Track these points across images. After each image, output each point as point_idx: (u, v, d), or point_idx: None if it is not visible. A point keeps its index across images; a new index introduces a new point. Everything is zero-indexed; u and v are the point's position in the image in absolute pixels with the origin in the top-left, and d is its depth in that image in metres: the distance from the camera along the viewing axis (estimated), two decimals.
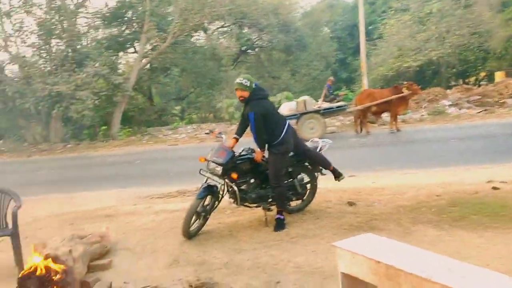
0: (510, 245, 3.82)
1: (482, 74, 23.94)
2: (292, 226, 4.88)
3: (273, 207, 5.12)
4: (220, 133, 5.24)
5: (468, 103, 16.19)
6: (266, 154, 4.86)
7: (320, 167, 5.41)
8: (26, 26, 19.35)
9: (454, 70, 23.42)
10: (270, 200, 5.00)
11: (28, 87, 16.26)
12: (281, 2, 24.84)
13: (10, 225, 4.23)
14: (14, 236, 4.15)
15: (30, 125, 18.66)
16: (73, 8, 18.57)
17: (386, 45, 22.75)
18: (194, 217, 4.72)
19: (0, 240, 4.88)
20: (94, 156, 14.16)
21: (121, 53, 23.61)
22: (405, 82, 13.83)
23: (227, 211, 5.71)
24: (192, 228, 4.74)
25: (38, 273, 3.19)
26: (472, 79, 24.35)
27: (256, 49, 26.69)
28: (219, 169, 4.64)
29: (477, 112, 14.97)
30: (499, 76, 20.26)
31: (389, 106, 12.54)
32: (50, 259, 3.30)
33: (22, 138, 19.61)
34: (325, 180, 6.32)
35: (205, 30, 23.67)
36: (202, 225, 4.86)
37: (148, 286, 3.51)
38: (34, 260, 3.31)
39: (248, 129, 4.87)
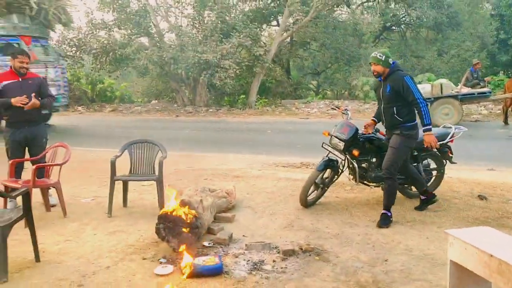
0: None
1: None
2: (410, 210, 4.79)
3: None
4: (346, 109, 5.30)
5: None
6: None
7: (450, 155, 5.14)
8: None
9: None
10: None
11: (182, 54, 18.01)
12: None
13: (156, 172, 4.97)
14: (159, 182, 4.87)
15: (180, 88, 20.75)
16: None
17: None
18: (312, 188, 4.94)
19: (149, 184, 5.79)
20: (231, 122, 15.25)
21: (264, 26, 24.47)
22: None
23: (347, 187, 5.81)
24: (310, 197, 4.97)
25: (174, 214, 3.76)
26: None
27: (402, 26, 25.15)
28: (341, 145, 4.74)
29: None
30: None
31: None
32: (184, 205, 3.85)
33: (173, 100, 22.00)
34: (457, 170, 5.98)
35: (348, 5, 23.09)
36: (319, 196, 5.06)
37: (263, 242, 3.85)
38: (172, 204, 3.89)
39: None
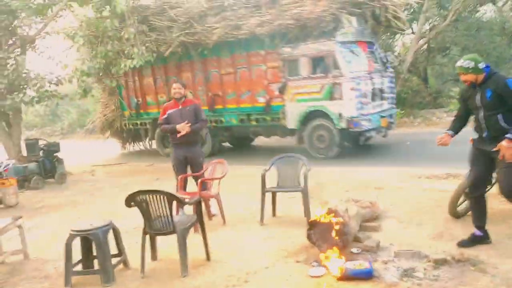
0: None
1: None
2: None
3: None
4: None
5: None
6: None
7: None
8: None
9: None
10: None
11: None
12: None
13: (302, 184, 5.32)
14: (304, 192, 5.21)
15: None
16: None
17: None
18: (462, 198, 4.75)
19: (294, 196, 6.19)
20: None
21: (397, 36, 23.72)
22: None
23: (502, 199, 5.36)
24: (460, 208, 4.79)
25: (323, 221, 4.04)
26: None
27: None
28: None
29: None
30: None
31: None
32: (331, 212, 4.10)
33: None
34: None
35: (494, 2, 21.08)
36: (470, 207, 4.83)
37: (412, 250, 3.87)
38: (319, 212, 4.18)
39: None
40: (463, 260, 3.61)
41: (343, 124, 9.21)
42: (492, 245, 3.95)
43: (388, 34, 20.28)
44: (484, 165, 3.99)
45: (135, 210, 3.92)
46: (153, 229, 3.92)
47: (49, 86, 10.02)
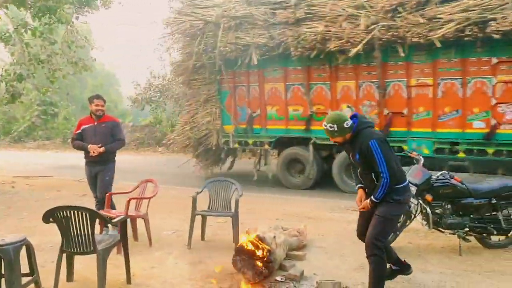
0: None
1: None
2: (489, 261, 4.64)
3: (471, 238, 4.95)
4: (419, 154, 5.34)
5: None
6: None
7: None
8: None
9: None
10: (466, 229, 4.85)
11: None
12: None
13: (232, 209, 5.31)
14: (235, 218, 5.19)
15: None
16: None
17: None
18: None
19: (224, 220, 6.16)
20: None
21: None
22: None
23: (421, 233, 5.73)
24: None
25: (249, 248, 4.03)
26: None
27: None
28: (414, 189, 4.77)
29: None
30: None
31: None
32: (259, 240, 4.11)
33: None
34: None
35: None
36: (391, 241, 5.05)
37: (333, 280, 3.96)
38: (247, 238, 4.17)
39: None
40: None
41: None
42: (408, 278, 4.13)
43: None
44: (366, 216, 3.68)
45: (55, 227, 3.68)
46: (71, 247, 3.70)
47: None
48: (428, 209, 4.84)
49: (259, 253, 4.00)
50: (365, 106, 8.57)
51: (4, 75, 9.81)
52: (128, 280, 3.96)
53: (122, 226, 4.04)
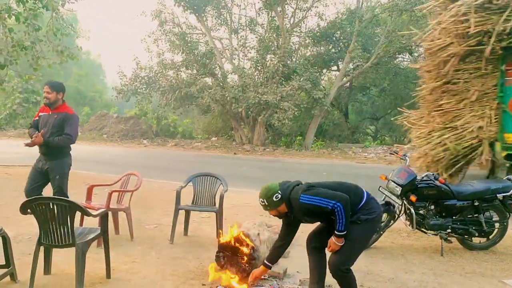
0: None
1: None
2: (470, 262, 4.67)
3: (453, 239, 5.00)
4: (404, 154, 5.36)
5: None
6: None
7: None
8: (249, 43, 22.46)
9: None
10: (449, 230, 4.89)
11: (243, 94, 18.79)
12: None
13: (217, 205, 5.25)
14: (219, 213, 5.14)
15: (239, 127, 21.46)
16: (288, 28, 20.62)
17: None
18: None
19: (208, 215, 6.09)
20: (288, 162, 15.47)
21: (324, 70, 24.97)
22: None
23: (403, 234, 5.76)
24: None
25: (233, 244, 3.98)
26: None
27: None
28: (398, 189, 4.79)
29: None
30: None
31: None
32: (243, 236, 4.06)
33: (231, 138, 22.74)
34: None
35: (411, 52, 23.06)
36: (375, 240, 5.07)
37: None
38: (231, 234, 4.12)
39: None
40: None
41: None
42: (390, 278, 4.14)
43: (316, 67, 21.18)
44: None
45: (33, 218, 3.57)
46: (50, 240, 3.59)
47: None
48: (412, 210, 4.86)
49: (243, 250, 3.96)
50: None
51: None
52: (108, 275, 3.87)
53: (103, 219, 3.94)
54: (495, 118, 7.33)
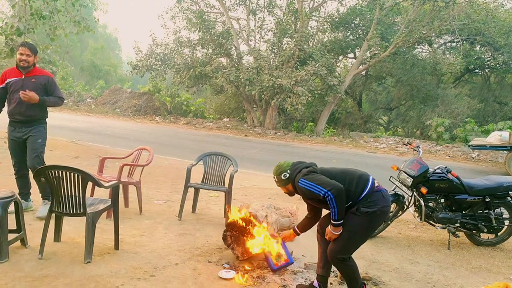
0: None
1: None
2: (477, 257, 4.66)
3: (460, 233, 4.97)
4: (418, 146, 5.30)
5: None
6: None
7: None
8: (266, 24, 22.21)
9: None
10: (457, 225, 4.86)
11: (257, 77, 18.67)
12: None
13: (226, 184, 5.27)
14: (228, 193, 5.16)
15: (252, 109, 21.39)
16: (307, 11, 20.32)
17: None
18: None
19: (216, 195, 6.13)
20: (298, 147, 15.43)
21: (340, 57, 24.66)
22: None
23: (411, 225, 5.74)
24: None
25: (241, 224, 4.00)
26: None
27: (486, 70, 24.13)
28: (409, 180, 4.76)
29: None
30: None
31: None
32: (251, 216, 4.08)
33: (243, 120, 22.70)
34: None
35: (430, 44, 22.63)
36: (382, 229, 5.07)
37: None
38: (239, 215, 4.14)
39: None
40: (366, 279, 3.75)
41: None
42: (395, 268, 4.15)
43: (332, 54, 20.94)
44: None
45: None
46: (61, 208, 3.64)
47: None
48: (421, 202, 4.83)
49: (250, 229, 3.98)
50: None
51: (3, 27, 9.55)
52: (116, 246, 3.93)
53: (114, 191, 3.98)
54: None
